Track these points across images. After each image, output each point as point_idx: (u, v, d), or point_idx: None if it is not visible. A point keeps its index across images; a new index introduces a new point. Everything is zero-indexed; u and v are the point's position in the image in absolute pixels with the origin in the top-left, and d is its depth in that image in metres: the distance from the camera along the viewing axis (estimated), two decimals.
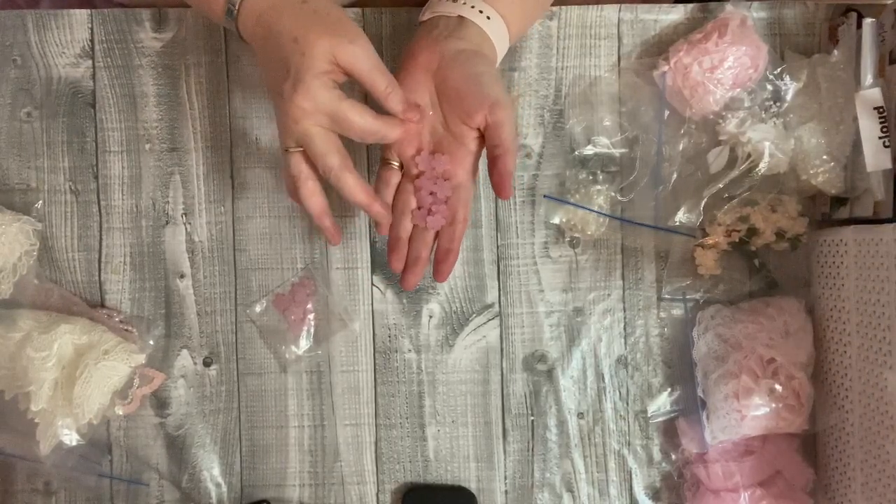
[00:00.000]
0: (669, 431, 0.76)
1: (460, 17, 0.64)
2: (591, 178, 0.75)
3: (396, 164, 0.66)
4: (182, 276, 0.74)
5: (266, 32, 0.60)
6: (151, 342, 0.74)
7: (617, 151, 0.75)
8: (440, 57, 0.62)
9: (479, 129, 0.63)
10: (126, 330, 0.74)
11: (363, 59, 0.59)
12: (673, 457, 0.75)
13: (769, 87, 0.72)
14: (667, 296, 0.76)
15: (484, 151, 0.64)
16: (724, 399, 0.71)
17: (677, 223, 0.74)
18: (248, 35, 0.63)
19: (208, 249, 0.75)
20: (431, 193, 0.64)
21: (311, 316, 0.75)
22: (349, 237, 0.75)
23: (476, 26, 0.63)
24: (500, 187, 0.61)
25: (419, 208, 0.65)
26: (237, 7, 0.62)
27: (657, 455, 0.76)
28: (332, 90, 0.59)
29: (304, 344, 0.75)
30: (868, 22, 0.69)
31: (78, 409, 0.70)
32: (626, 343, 0.76)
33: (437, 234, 0.65)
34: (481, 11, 0.64)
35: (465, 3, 0.64)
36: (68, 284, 0.74)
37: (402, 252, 0.65)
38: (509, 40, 0.66)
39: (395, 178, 0.66)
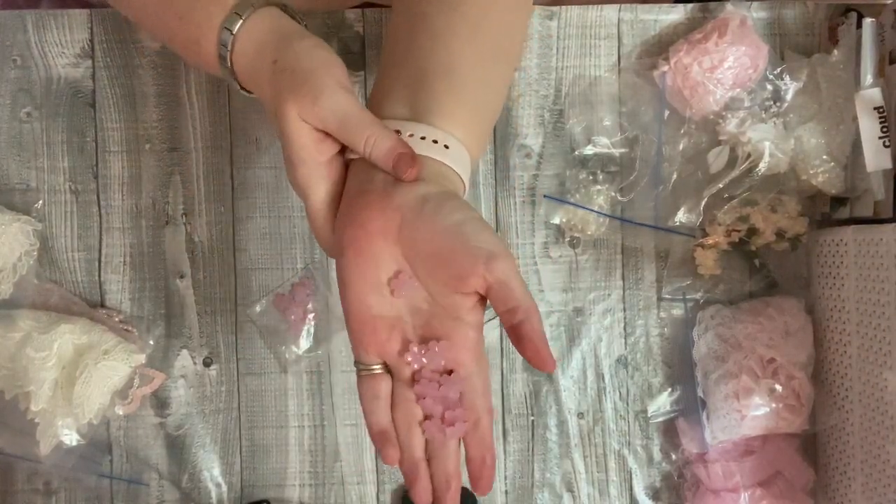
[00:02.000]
0: (669, 431, 0.76)
1: None
2: (591, 178, 0.75)
3: (379, 368, 0.50)
4: (182, 276, 0.74)
5: (251, 73, 0.52)
6: (151, 342, 0.74)
7: (617, 151, 0.75)
8: (399, 216, 0.47)
9: (477, 293, 0.48)
10: (126, 330, 0.74)
11: (329, 118, 0.48)
12: (673, 457, 0.75)
13: (769, 87, 0.72)
14: (667, 296, 0.76)
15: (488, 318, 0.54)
16: (724, 399, 0.71)
17: (677, 223, 0.74)
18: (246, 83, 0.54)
19: (208, 249, 0.75)
20: (440, 398, 0.49)
21: (311, 316, 0.75)
22: None
23: (434, 161, 0.50)
24: (538, 360, 0.46)
25: (427, 418, 0.50)
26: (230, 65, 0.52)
27: (657, 455, 0.76)
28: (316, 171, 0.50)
29: (304, 344, 0.75)
30: (868, 22, 0.69)
31: (78, 409, 0.70)
32: (626, 343, 0.76)
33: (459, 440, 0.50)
34: (436, 141, 0.50)
35: (411, 136, 0.50)
36: (68, 284, 0.74)
37: (426, 479, 0.49)
38: (471, 166, 0.53)
39: (383, 386, 0.50)
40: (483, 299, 0.48)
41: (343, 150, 0.51)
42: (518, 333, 0.46)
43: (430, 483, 0.49)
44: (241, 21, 0.51)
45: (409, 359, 0.49)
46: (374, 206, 0.48)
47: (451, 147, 0.50)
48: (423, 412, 0.49)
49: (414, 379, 0.49)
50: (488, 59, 0.55)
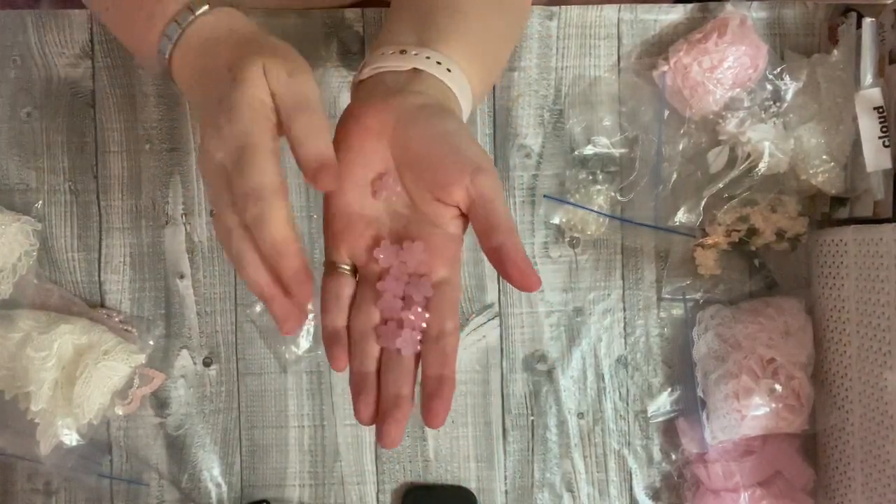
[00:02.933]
0: (669, 431, 0.76)
1: (414, 70, 0.50)
2: (591, 178, 0.75)
3: (347, 267, 0.48)
4: (182, 276, 0.74)
5: (200, 70, 0.50)
6: (151, 342, 0.74)
7: (617, 151, 0.75)
8: (395, 116, 0.47)
9: (458, 207, 0.47)
10: (126, 330, 0.74)
11: (291, 94, 0.47)
12: (673, 457, 0.75)
13: (769, 86, 0.72)
14: (667, 296, 0.76)
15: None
16: (724, 399, 0.71)
17: (677, 223, 0.74)
18: (181, 77, 0.52)
19: (208, 249, 0.75)
20: (402, 298, 0.46)
21: (311, 316, 0.74)
22: None
23: (435, 79, 0.50)
24: (523, 279, 0.44)
25: (385, 323, 0.46)
26: (174, 41, 0.51)
27: (657, 455, 0.76)
28: (260, 120, 0.46)
29: (304, 344, 0.75)
30: (868, 22, 0.69)
31: (78, 409, 0.70)
32: (626, 343, 0.76)
33: (418, 358, 0.46)
34: (440, 63, 0.50)
35: (416, 55, 0.50)
36: (68, 284, 0.74)
37: (372, 393, 0.46)
38: (472, 103, 0.53)
39: (347, 288, 0.48)
40: (464, 217, 0.47)
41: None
42: (500, 255, 0.45)
43: (374, 401, 0.45)
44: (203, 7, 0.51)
45: (381, 255, 0.47)
46: (372, 106, 0.48)
47: (453, 72, 0.51)
48: (380, 313, 0.47)
49: (380, 279, 0.47)
50: (493, 8, 0.57)
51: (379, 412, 0.45)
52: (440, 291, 0.47)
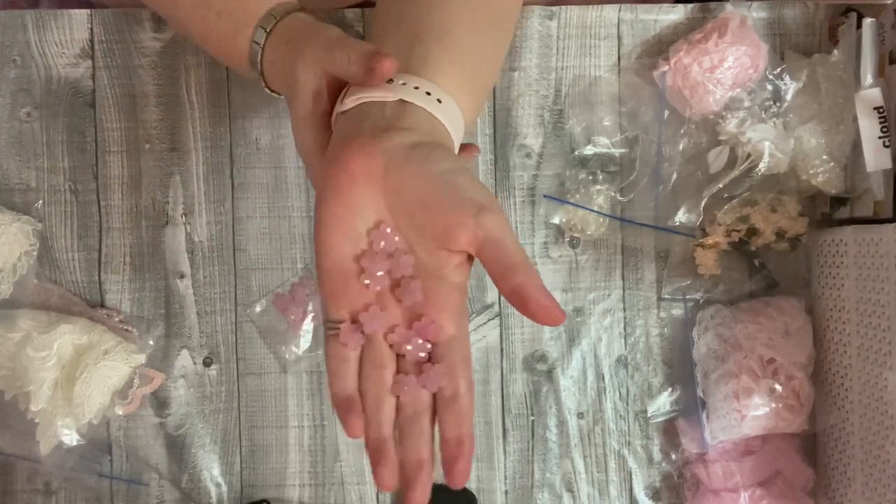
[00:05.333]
0: (669, 431, 0.76)
1: (401, 102, 0.46)
2: (591, 178, 0.75)
3: (342, 327, 0.46)
4: (182, 276, 0.74)
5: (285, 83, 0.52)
6: (151, 342, 0.74)
7: (617, 151, 0.75)
8: (384, 161, 0.44)
9: (465, 253, 0.44)
10: (126, 330, 0.74)
11: (325, 46, 0.48)
12: (673, 457, 0.75)
13: (769, 87, 0.72)
14: (667, 296, 0.76)
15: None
16: (724, 399, 0.71)
17: (677, 223, 0.74)
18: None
19: (208, 249, 0.75)
20: (418, 342, 0.45)
21: (311, 316, 0.75)
22: None
23: (424, 112, 0.47)
24: (547, 318, 0.42)
25: (399, 373, 0.45)
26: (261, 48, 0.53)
27: (657, 455, 0.76)
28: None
29: (304, 344, 0.75)
30: (868, 22, 0.69)
31: (78, 409, 0.70)
32: (626, 343, 0.76)
33: (434, 416, 0.45)
34: (429, 93, 0.47)
35: (404, 84, 0.47)
36: (68, 284, 0.74)
37: (393, 460, 0.44)
38: (462, 132, 0.50)
39: (352, 350, 0.46)
40: (470, 259, 0.45)
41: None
42: (522, 296, 0.42)
43: (395, 467, 0.44)
44: (274, 21, 0.53)
45: (370, 322, 0.44)
46: (358, 149, 0.44)
47: (444, 102, 0.47)
48: (392, 372, 0.45)
49: (386, 337, 0.45)
50: (483, 26, 0.54)
51: (403, 478, 0.44)
52: (450, 349, 0.45)
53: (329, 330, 0.45)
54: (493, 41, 0.56)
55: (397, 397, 0.45)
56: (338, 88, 0.49)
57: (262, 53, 0.53)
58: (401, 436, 0.44)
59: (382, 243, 0.44)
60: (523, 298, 0.42)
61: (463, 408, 0.44)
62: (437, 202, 0.43)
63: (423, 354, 0.45)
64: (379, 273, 0.45)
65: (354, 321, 0.45)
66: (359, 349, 0.45)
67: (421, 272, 0.45)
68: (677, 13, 0.75)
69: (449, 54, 0.50)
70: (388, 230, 0.45)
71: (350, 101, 0.47)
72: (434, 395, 0.44)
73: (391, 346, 0.45)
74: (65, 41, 0.73)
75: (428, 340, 0.45)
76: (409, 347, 0.44)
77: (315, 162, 0.50)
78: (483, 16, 0.54)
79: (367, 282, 0.45)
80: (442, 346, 0.45)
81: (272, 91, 0.55)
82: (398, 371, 0.45)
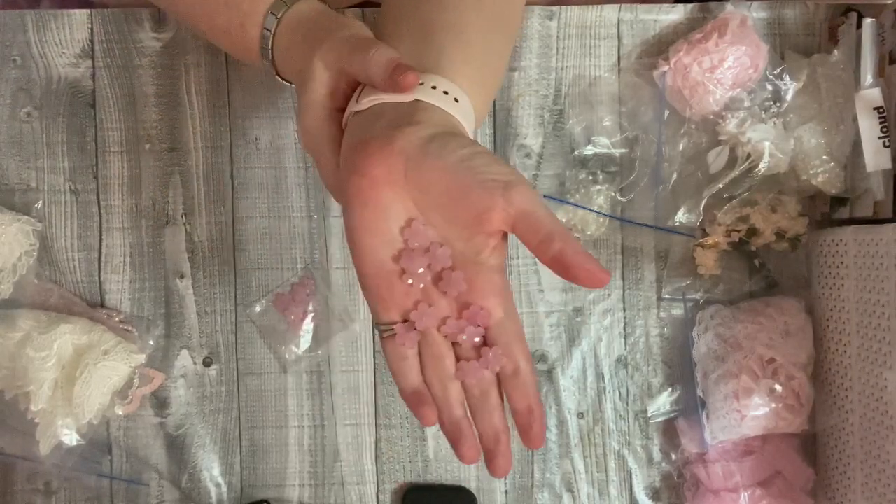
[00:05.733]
0: (669, 431, 0.76)
1: (416, 101, 0.47)
2: (591, 178, 0.75)
3: (396, 328, 0.47)
4: (182, 276, 0.74)
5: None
6: (151, 342, 0.74)
7: (617, 151, 0.75)
8: (403, 160, 0.44)
9: (500, 233, 0.45)
10: (126, 330, 0.74)
11: (343, 46, 0.48)
12: (673, 457, 0.75)
13: (769, 87, 0.72)
14: (667, 296, 0.76)
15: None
16: (724, 399, 0.71)
17: (677, 223, 0.74)
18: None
19: (208, 249, 0.75)
20: (471, 329, 0.46)
21: (311, 316, 0.75)
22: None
23: (441, 112, 0.47)
24: (592, 280, 0.42)
25: (459, 360, 0.47)
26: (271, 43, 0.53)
27: (657, 455, 0.76)
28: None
29: (304, 344, 0.75)
30: (868, 22, 0.69)
31: (78, 409, 0.70)
32: (626, 343, 0.76)
33: (501, 393, 0.47)
34: (446, 92, 0.47)
35: (421, 84, 0.47)
36: (68, 284, 0.74)
37: (472, 436, 0.46)
38: (474, 131, 0.50)
39: (410, 349, 0.47)
40: (505, 238, 0.46)
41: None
42: (563, 263, 0.42)
43: (476, 440, 0.46)
44: (285, 8, 0.53)
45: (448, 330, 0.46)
46: (375, 153, 0.44)
47: (460, 101, 0.48)
48: (452, 359, 0.46)
49: (440, 330, 0.46)
50: (492, 27, 0.54)
51: (485, 451, 0.46)
52: (503, 330, 0.46)
53: (383, 333, 0.47)
54: (501, 42, 0.56)
55: (461, 382, 0.47)
56: (353, 85, 0.49)
57: (273, 41, 0.53)
58: (473, 415, 0.46)
59: (417, 241, 0.45)
60: (565, 265, 0.42)
61: (526, 379, 0.46)
62: (463, 189, 0.43)
63: (477, 339, 0.46)
64: (419, 270, 0.45)
65: (406, 320, 0.46)
66: (416, 346, 0.47)
67: (459, 261, 0.46)
68: (677, 13, 0.75)
69: (462, 53, 0.50)
70: (421, 226, 0.45)
71: (366, 102, 0.47)
72: (497, 374, 0.46)
73: (446, 336, 0.46)
74: (65, 41, 0.73)
75: (481, 325, 0.46)
76: (463, 337, 0.46)
77: (322, 154, 0.50)
78: (493, 16, 0.54)
79: (409, 281, 0.46)
80: (495, 328, 0.46)
81: (283, 79, 0.55)
82: (457, 358, 0.47)
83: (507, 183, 0.43)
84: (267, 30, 0.53)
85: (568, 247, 0.42)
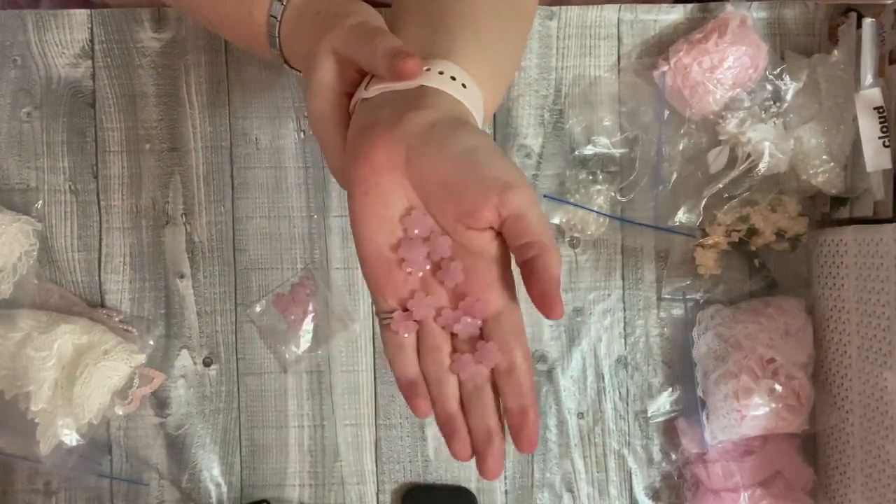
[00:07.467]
0: (669, 431, 0.76)
1: (423, 87, 0.46)
2: (591, 178, 0.75)
3: (394, 315, 0.46)
4: (182, 276, 0.74)
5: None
6: (151, 342, 0.74)
7: (617, 151, 0.75)
8: (405, 146, 0.43)
9: (492, 228, 0.44)
10: (126, 330, 0.74)
11: (351, 34, 0.48)
12: (673, 457, 0.75)
13: (769, 87, 0.72)
14: (667, 296, 0.76)
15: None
16: (724, 399, 0.71)
17: (677, 223, 0.74)
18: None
19: (208, 249, 0.75)
20: (467, 321, 0.45)
21: (311, 316, 0.75)
22: (347, 237, 0.75)
23: (446, 95, 0.46)
24: (544, 302, 0.42)
25: (455, 352, 0.45)
26: (277, 34, 0.53)
27: (657, 455, 0.76)
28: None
29: (304, 344, 0.75)
30: (868, 22, 0.69)
31: (78, 409, 0.70)
32: (626, 343, 0.76)
33: (496, 386, 0.46)
34: (454, 78, 0.47)
35: (428, 70, 0.47)
36: (68, 284, 0.74)
37: (464, 432, 0.45)
38: (482, 123, 0.50)
39: (406, 336, 0.46)
40: (499, 233, 0.44)
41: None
42: (529, 268, 0.42)
43: (468, 436, 0.45)
44: None
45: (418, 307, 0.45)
46: (378, 139, 0.44)
47: (468, 88, 0.47)
48: (447, 351, 0.45)
49: (436, 320, 0.46)
50: (505, 21, 0.54)
51: (474, 449, 0.45)
52: (500, 324, 0.45)
53: (382, 320, 0.46)
54: (514, 33, 0.56)
55: (459, 382, 0.46)
56: (361, 71, 0.49)
57: (280, 27, 0.53)
58: (466, 410, 0.45)
59: (416, 229, 0.45)
60: (530, 272, 0.42)
61: (522, 378, 0.44)
62: (460, 183, 0.43)
63: (474, 332, 0.45)
64: (419, 258, 0.45)
65: (405, 309, 0.46)
66: (413, 335, 0.46)
67: (458, 251, 0.45)
68: (677, 13, 0.75)
69: (475, 42, 0.50)
70: (421, 215, 0.45)
71: (374, 90, 0.47)
72: (492, 370, 0.45)
73: (443, 328, 0.46)
74: (65, 41, 0.73)
75: (476, 317, 0.45)
76: (458, 327, 0.45)
77: (328, 138, 0.49)
78: (505, 11, 0.54)
79: (408, 269, 0.45)
80: (491, 322, 0.45)
81: (291, 66, 0.55)
82: (454, 350, 0.46)
83: (506, 184, 0.42)
84: (273, 17, 0.53)
85: (541, 259, 0.42)
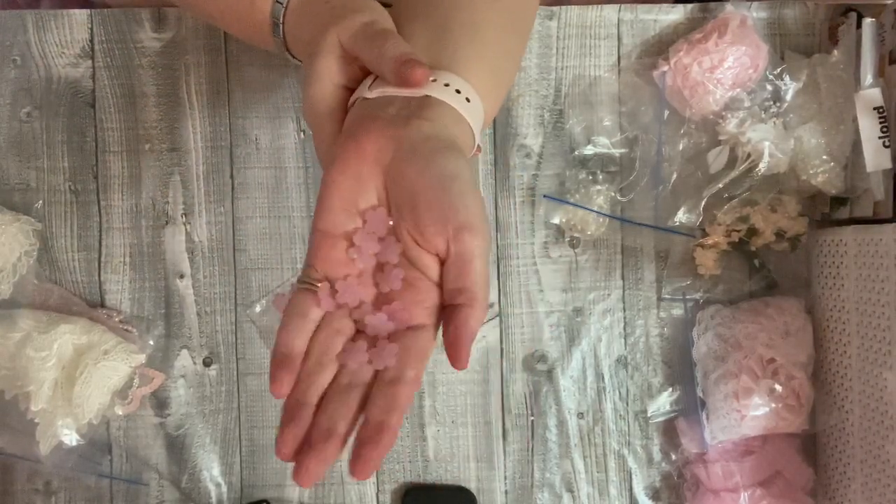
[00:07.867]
0: (669, 431, 0.76)
1: (427, 97, 0.46)
2: (590, 178, 0.75)
3: (321, 286, 0.45)
4: (182, 276, 0.74)
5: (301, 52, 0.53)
6: (151, 342, 0.74)
7: (617, 151, 0.75)
8: (396, 144, 0.44)
9: (437, 256, 0.44)
10: (126, 330, 0.74)
11: (360, 31, 0.48)
12: (673, 457, 0.75)
13: (769, 87, 0.72)
14: (667, 296, 0.76)
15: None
16: (724, 399, 0.71)
17: (677, 223, 0.74)
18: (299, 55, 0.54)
19: (208, 249, 0.75)
20: (383, 318, 0.44)
21: None
22: None
23: (450, 108, 0.47)
24: (453, 351, 0.41)
25: (356, 339, 0.44)
26: (281, 23, 0.53)
27: (657, 455, 0.76)
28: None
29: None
30: (868, 22, 0.69)
31: (78, 409, 0.70)
32: (626, 343, 0.76)
33: (364, 401, 0.43)
34: (458, 91, 0.47)
35: (434, 81, 0.47)
36: (68, 284, 0.74)
37: (304, 427, 0.42)
38: (481, 131, 0.51)
39: (315, 310, 0.45)
40: (441, 263, 0.44)
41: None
42: (451, 314, 0.42)
43: (304, 433, 0.41)
44: None
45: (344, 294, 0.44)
46: (376, 130, 0.45)
47: (472, 101, 0.48)
48: (347, 337, 0.44)
49: (352, 313, 0.45)
50: (507, 27, 0.54)
51: (304, 441, 0.41)
52: (412, 336, 0.43)
53: (302, 283, 0.45)
54: (515, 42, 0.57)
55: (336, 373, 0.44)
56: (364, 67, 0.49)
57: (285, 15, 0.53)
58: (324, 402, 0.42)
59: (373, 228, 0.45)
60: (449, 321, 0.42)
61: (398, 396, 0.41)
62: (427, 202, 0.43)
63: (383, 332, 0.44)
64: (368, 252, 0.45)
65: (333, 287, 0.45)
66: (321, 314, 0.45)
67: (404, 263, 0.45)
68: (677, 13, 0.75)
69: (477, 52, 0.50)
70: (385, 215, 0.45)
71: (376, 92, 0.47)
72: (375, 375, 0.43)
73: (355, 320, 0.45)
74: (65, 41, 0.73)
75: (394, 322, 0.44)
76: (371, 319, 0.44)
77: (321, 127, 0.50)
78: (507, 16, 0.54)
79: (354, 256, 0.45)
80: (404, 333, 0.44)
81: (293, 56, 0.55)
82: (352, 342, 0.45)
83: (468, 224, 0.42)
84: (279, 2, 0.53)
85: (466, 312, 0.42)
